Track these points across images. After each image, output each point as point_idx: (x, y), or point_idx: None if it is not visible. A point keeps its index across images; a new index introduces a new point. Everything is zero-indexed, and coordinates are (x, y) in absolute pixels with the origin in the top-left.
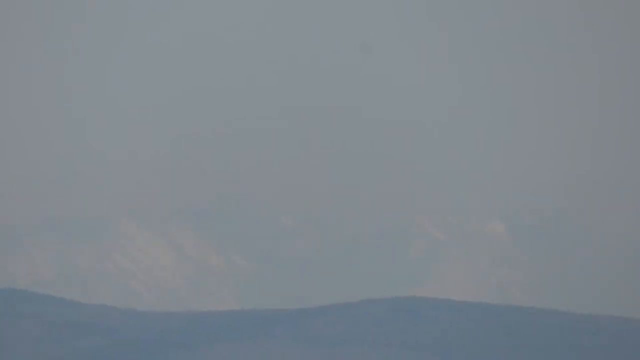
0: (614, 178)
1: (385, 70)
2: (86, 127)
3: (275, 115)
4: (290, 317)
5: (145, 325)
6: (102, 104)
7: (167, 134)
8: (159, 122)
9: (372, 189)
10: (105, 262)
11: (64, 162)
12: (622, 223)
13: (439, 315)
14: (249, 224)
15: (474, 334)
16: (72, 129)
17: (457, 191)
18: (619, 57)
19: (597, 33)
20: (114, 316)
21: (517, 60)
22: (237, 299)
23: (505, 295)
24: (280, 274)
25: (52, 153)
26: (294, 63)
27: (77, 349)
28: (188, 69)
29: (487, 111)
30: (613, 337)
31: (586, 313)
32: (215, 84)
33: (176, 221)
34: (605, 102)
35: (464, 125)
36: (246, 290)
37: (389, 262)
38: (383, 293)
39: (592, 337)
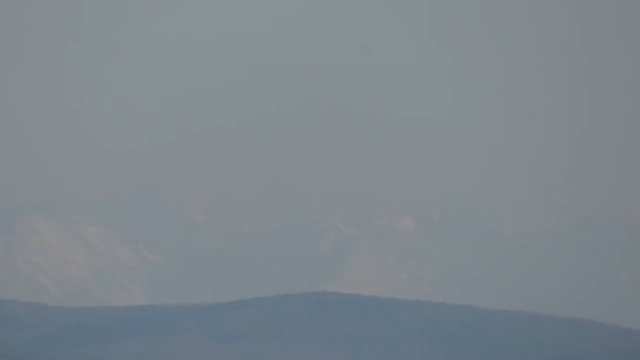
0: (523, 174)
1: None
2: None
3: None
4: (201, 312)
5: (55, 321)
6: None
7: (84, 129)
8: (69, 117)
9: (284, 184)
10: (14, 256)
11: None
12: (530, 218)
13: (350, 310)
14: (159, 217)
15: (384, 329)
16: None
17: (366, 186)
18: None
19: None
20: (22, 311)
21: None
22: (147, 293)
23: (415, 290)
24: (190, 268)
25: None
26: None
27: None
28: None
29: (402, 107)
30: (524, 331)
31: (495, 308)
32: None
33: (86, 215)
34: (513, 100)
35: None
36: (156, 285)
37: (299, 257)
38: (294, 288)
39: (502, 331)
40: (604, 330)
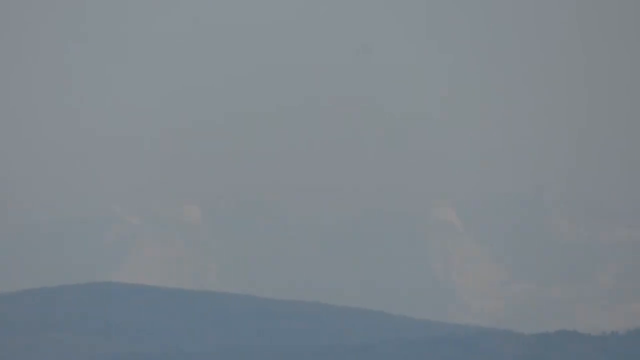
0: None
1: None
2: None
3: None
4: None
5: None
6: None
7: None
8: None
9: (70, 175)
10: None
11: None
12: (315, 213)
13: (133, 300)
14: None
15: (169, 318)
16: None
17: (152, 175)
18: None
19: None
20: None
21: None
22: None
23: (201, 280)
24: None
25: None
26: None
27: None
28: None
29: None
30: (307, 318)
31: (279, 298)
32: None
33: None
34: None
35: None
36: None
37: (83, 248)
38: (78, 278)
39: (286, 318)
40: (389, 320)
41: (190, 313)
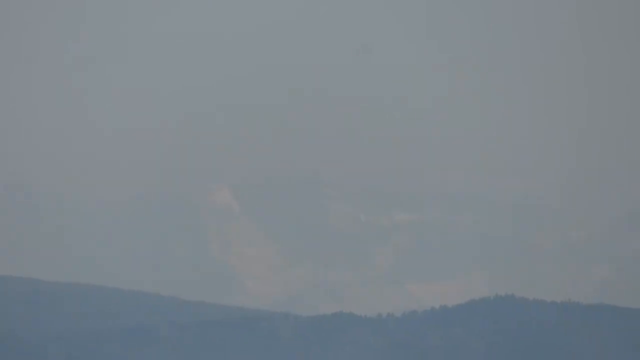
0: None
1: None
2: None
3: None
4: None
5: None
6: None
7: None
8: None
9: None
10: None
11: None
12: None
13: None
14: None
15: None
16: None
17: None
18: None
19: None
20: None
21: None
22: None
23: None
24: None
25: None
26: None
27: None
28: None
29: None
30: (73, 301)
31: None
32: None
33: None
34: None
35: None
36: None
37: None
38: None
39: (64, 300)
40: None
41: None
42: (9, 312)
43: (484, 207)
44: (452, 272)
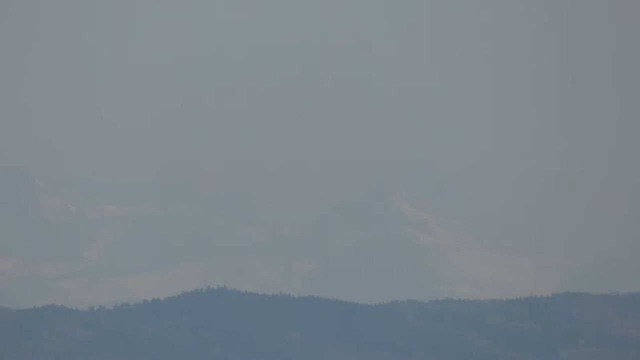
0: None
1: None
2: None
3: None
4: None
5: None
6: None
7: None
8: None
9: None
10: None
11: None
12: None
13: None
14: None
15: None
16: None
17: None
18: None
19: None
20: None
21: None
22: None
23: None
24: None
25: None
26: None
27: None
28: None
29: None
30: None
31: None
32: None
33: None
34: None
35: None
36: None
37: None
38: None
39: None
40: None
41: None
42: None
43: (190, 199)
44: (164, 264)
